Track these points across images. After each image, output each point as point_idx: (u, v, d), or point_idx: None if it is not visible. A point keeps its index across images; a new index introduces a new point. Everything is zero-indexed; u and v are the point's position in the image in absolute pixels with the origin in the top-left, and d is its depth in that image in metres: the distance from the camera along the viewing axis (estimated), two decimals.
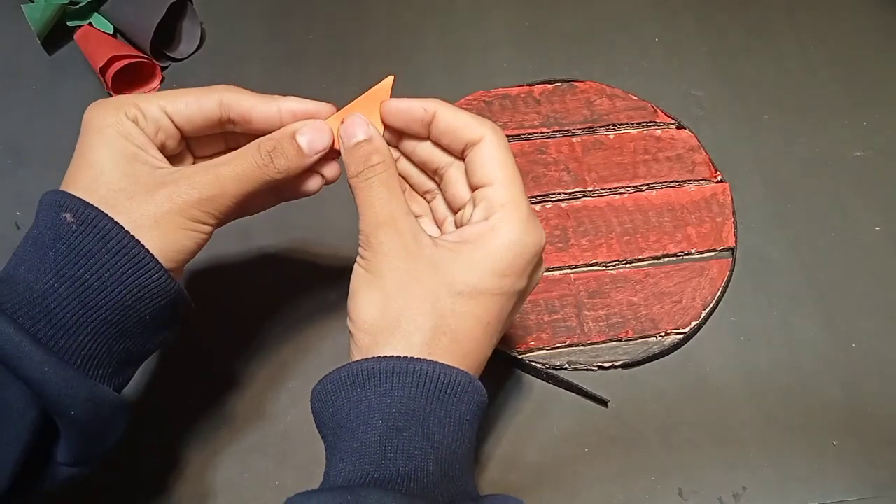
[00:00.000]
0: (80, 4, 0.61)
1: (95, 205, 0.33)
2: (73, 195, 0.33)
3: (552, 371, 0.48)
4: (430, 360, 0.32)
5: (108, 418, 0.33)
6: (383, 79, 0.37)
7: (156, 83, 0.59)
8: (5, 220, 0.54)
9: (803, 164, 0.56)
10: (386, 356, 0.32)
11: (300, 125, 0.37)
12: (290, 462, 0.46)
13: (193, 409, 0.47)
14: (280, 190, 0.39)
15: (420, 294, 0.33)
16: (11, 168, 0.57)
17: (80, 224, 0.33)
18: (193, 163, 0.40)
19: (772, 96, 0.59)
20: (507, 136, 0.55)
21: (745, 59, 0.61)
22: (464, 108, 0.57)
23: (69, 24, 0.61)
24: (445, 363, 0.32)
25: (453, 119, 0.36)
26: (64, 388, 0.31)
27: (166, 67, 0.60)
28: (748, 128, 0.57)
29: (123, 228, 0.33)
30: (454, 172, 0.37)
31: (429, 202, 0.40)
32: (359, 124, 0.36)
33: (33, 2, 0.60)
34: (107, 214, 0.33)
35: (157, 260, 0.33)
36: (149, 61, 0.59)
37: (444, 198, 0.38)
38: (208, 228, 0.35)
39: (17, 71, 0.61)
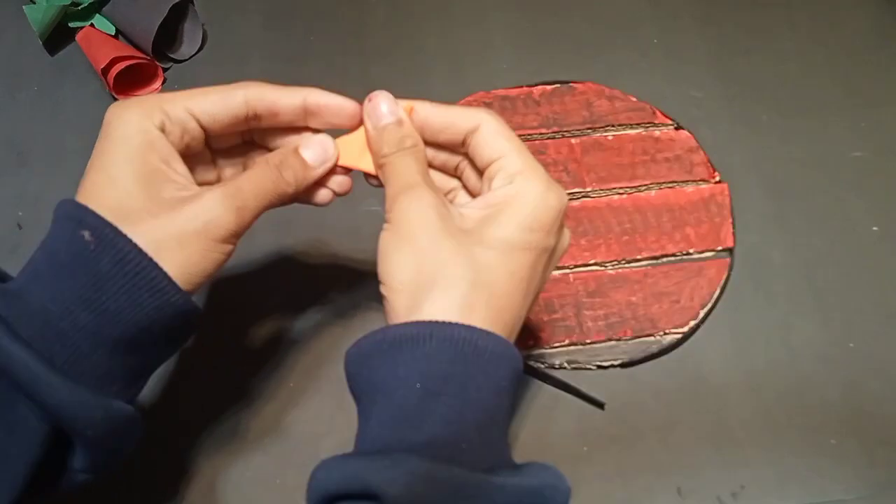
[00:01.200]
0: (82, 5, 0.61)
1: (116, 223, 0.32)
2: (93, 212, 0.32)
3: (550, 372, 0.48)
4: (468, 325, 0.31)
5: (124, 431, 0.33)
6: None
7: (157, 84, 0.60)
8: (7, 220, 0.54)
9: (802, 165, 0.56)
10: (424, 321, 0.31)
11: (305, 140, 0.38)
12: (290, 461, 0.46)
13: (193, 408, 0.47)
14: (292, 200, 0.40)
15: (454, 249, 0.33)
16: (13, 169, 0.57)
17: (97, 244, 0.32)
18: (212, 159, 0.39)
19: (771, 97, 0.59)
20: None
21: (745, 59, 0.61)
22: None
23: (71, 25, 0.62)
24: (483, 328, 0.32)
25: (445, 115, 0.36)
26: (80, 410, 0.31)
27: (168, 68, 0.61)
28: (747, 128, 0.58)
29: (142, 251, 0.32)
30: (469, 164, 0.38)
31: (459, 176, 0.40)
32: (388, 106, 0.36)
33: (35, 3, 0.61)
34: (126, 236, 0.32)
35: (174, 283, 0.33)
36: (150, 62, 0.59)
37: (466, 189, 0.39)
38: (230, 248, 0.35)
39: (18, 72, 0.61)
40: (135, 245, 0.32)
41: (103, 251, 0.32)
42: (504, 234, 0.33)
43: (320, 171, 0.38)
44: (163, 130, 0.34)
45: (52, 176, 0.56)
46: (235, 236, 0.35)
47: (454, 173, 0.39)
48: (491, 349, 0.32)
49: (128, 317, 0.32)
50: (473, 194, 0.38)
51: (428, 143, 0.37)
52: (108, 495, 0.44)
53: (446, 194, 0.40)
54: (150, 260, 0.32)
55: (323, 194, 0.39)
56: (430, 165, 0.39)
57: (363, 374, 0.33)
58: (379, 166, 0.37)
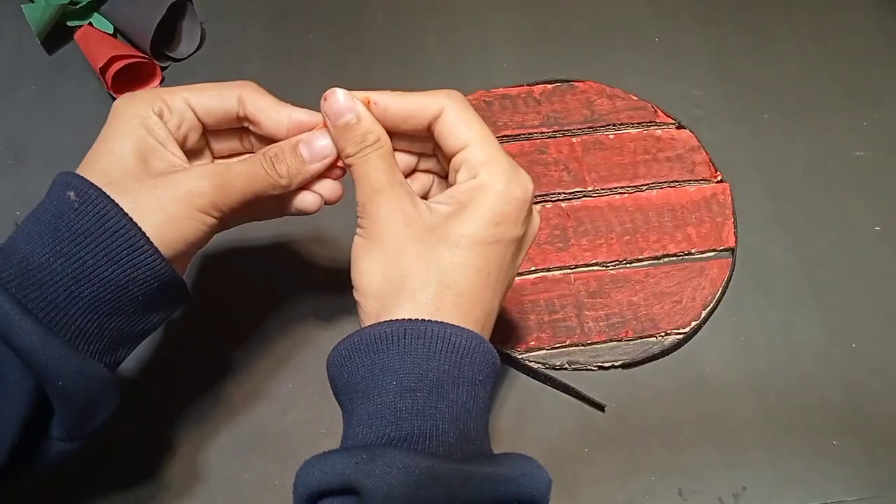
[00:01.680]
0: (80, 4, 0.61)
1: (104, 188, 0.33)
2: (81, 176, 0.34)
3: (550, 373, 0.48)
4: (440, 322, 0.32)
5: (98, 393, 0.34)
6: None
7: (156, 83, 0.59)
8: (5, 219, 0.54)
9: (803, 165, 0.56)
10: (397, 319, 0.32)
11: (306, 136, 0.38)
12: (290, 462, 0.45)
13: (193, 408, 0.47)
14: (283, 203, 0.40)
15: (420, 253, 0.33)
16: (11, 168, 0.57)
17: (81, 203, 0.33)
18: (212, 160, 0.40)
19: (772, 96, 0.59)
20: (508, 135, 0.56)
21: (745, 59, 0.61)
22: None
23: (69, 23, 0.61)
24: (456, 324, 0.32)
25: (405, 103, 0.36)
26: (52, 357, 0.32)
27: (166, 67, 0.61)
28: (748, 128, 0.57)
29: (122, 210, 0.33)
30: None
31: (429, 188, 0.40)
32: (344, 103, 0.35)
33: (33, 2, 0.60)
34: (108, 196, 0.33)
35: (151, 242, 0.34)
36: (149, 61, 0.59)
37: (443, 153, 0.38)
38: (212, 221, 0.36)
39: (17, 71, 0.61)
40: (116, 204, 0.33)
41: (86, 210, 0.33)
42: (469, 230, 0.34)
43: (317, 167, 0.38)
44: (161, 117, 0.36)
45: (50, 175, 0.55)
46: (216, 209, 0.35)
47: (432, 153, 0.39)
48: (464, 344, 0.32)
49: (104, 273, 0.33)
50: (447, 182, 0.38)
51: (394, 134, 0.37)
52: (109, 495, 0.44)
53: (429, 174, 0.39)
54: (129, 219, 0.33)
55: (310, 200, 0.39)
56: (408, 151, 0.38)
57: (343, 377, 0.33)
58: (347, 167, 0.37)
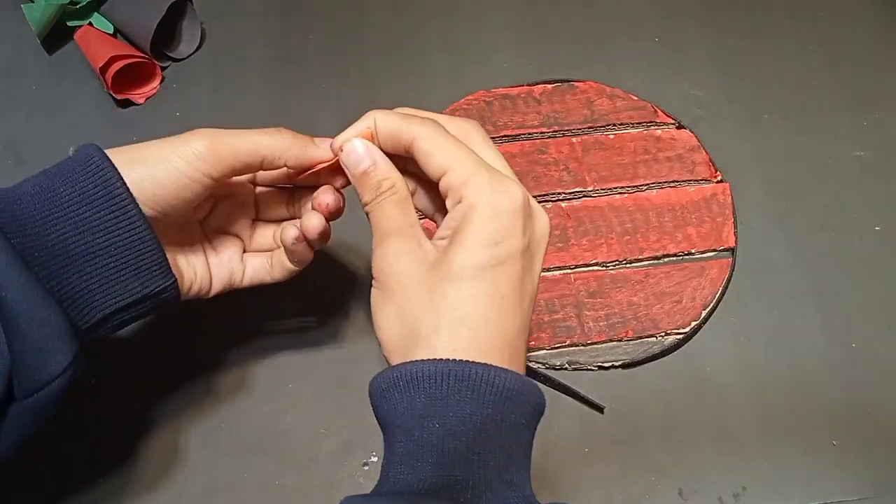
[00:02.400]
0: (80, 4, 0.61)
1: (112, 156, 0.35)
2: (95, 145, 0.35)
3: (550, 374, 0.48)
4: (484, 364, 0.31)
5: (48, 332, 0.33)
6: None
7: (155, 83, 0.59)
8: None
9: (804, 164, 0.56)
10: (440, 359, 0.31)
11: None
12: (290, 462, 0.46)
13: (193, 408, 0.47)
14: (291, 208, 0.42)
15: (427, 295, 0.33)
16: (11, 168, 0.56)
17: (76, 153, 0.35)
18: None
19: (772, 96, 0.59)
20: (507, 135, 0.56)
21: (746, 58, 0.61)
22: (464, 109, 0.57)
23: (69, 23, 0.61)
24: (487, 363, 0.31)
25: (392, 127, 0.35)
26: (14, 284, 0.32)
27: (166, 67, 0.60)
28: (748, 128, 0.57)
29: (107, 158, 0.35)
30: None
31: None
32: (360, 151, 0.36)
33: (33, 1, 0.60)
34: (98, 147, 0.35)
35: (128, 188, 0.35)
36: (149, 61, 0.59)
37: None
38: (202, 180, 0.36)
39: (16, 71, 0.61)
40: (103, 153, 0.35)
41: (75, 157, 0.35)
42: (469, 260, 0.32)
43: (321, 153, 0.38)
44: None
45: None
46: (208, 165, 0.36)
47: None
48: (507, 387, 0.31)
49: (79, 211, 0.34)
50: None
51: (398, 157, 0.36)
52: (109, 495, 0.44)
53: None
54: (111, 165, 0.35)
55: (315, 222, 0.39)
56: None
57: (383, 408, 0.32)
58: (366, 214, 0.36)
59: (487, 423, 0.31)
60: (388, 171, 0.35)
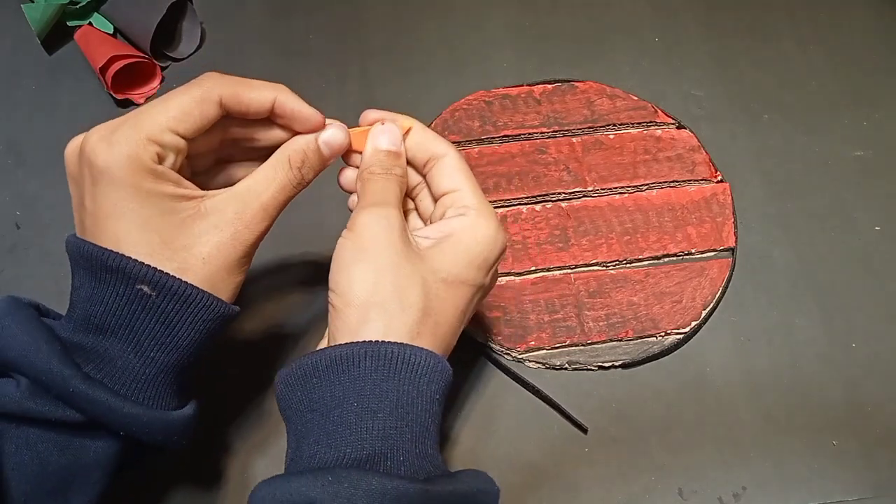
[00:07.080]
0: (80, 4, 0.61)
1: (159, 266, 0.34)
2: (142, 263, 0.34)
3: (550, 373, 0.48)
4: (399, 343, 0.33)
5: (180, 433, 0.37)
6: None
7: (155, 83, 0.59)
8: (5, 219, 0.54)
9: (804, 164, 0.56)
10: (357, 342, 0.33)
11: (324, 135, 0.39)
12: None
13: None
14: None
15: (411, 274, 0.34)
16: (11, 168, 0.57)
17: (158, 293, 0.34)
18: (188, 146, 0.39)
19: (772, 96, 0.59)
20: (508, 135, 0.56)
21: (746, 58, 0.61)
22: (464, 109, 0.57)
23: (69, 23, 0.61)
24: (417, 345, 0.33)
25: (424, 135, 0.39)
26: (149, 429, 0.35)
27: (166, 67, 0.61)
28: (748, 128, 0.57)
29: (198, 288, 0.35)
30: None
31: (414, 198, 0.41)
32: (398, 135, 0.39)
33: (33, 1, 0.60)
34: (180, 279, 0.34)
35: (230, 305, 0.36)
36: (149, 61, 0.59)
37: (418, 212, 0.41)
38: (251, 244, 0.37)
39: (16, 71, 0.61)
40: (191, 286, 0.35)
41: (165, 297, 0.34)
42: (456, 269, 0.35)
43: (332, 160, 0.40)
44: (161, 162, 0.35)
45: (49, 176, 0.56)
46: (254, 236, 0.37)
47: (410, 195, 0.41)
48: (423, 364, 0.33)
49: (194, 341, 0.36)
50: (423, 219, 0.40)
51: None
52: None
53: (410, 191, 0.41)
54: (208, 294, 0.35)
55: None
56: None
57: (296, 395, 0.34)
58: (361, 178, 0.38)
59: (403, 399, 0.33)
60: (404, 163, 0.39)
